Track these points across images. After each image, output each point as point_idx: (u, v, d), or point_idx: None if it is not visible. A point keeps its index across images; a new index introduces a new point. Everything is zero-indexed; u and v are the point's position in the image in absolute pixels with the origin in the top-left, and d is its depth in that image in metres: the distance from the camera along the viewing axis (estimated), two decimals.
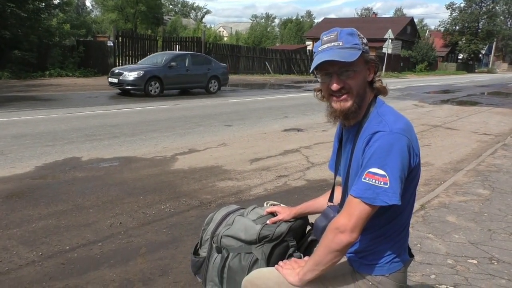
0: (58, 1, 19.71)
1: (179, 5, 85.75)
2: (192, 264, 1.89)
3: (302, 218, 1.78)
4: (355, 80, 1.37)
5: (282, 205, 1.92)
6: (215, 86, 14.96)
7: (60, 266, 2.82)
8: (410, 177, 1.34)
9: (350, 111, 1.38)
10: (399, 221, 1.41)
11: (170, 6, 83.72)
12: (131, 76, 12.51)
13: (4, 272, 2.73)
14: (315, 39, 52.53)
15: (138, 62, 15.66)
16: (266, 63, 27.98)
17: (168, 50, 21.28)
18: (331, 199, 1.66)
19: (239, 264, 1.67)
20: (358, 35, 1.39)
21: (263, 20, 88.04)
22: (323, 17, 60.14)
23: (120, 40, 19.83)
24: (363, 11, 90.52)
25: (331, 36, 1.38)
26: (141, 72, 12.61)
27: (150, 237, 3.34)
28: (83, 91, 13.16)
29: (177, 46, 23.49)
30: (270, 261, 1.64)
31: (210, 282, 1.78)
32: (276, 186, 4.81)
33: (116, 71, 13.03)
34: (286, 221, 1.70)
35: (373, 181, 1.24)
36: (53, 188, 4.39)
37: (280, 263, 1.53)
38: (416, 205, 4.08)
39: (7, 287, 2.56)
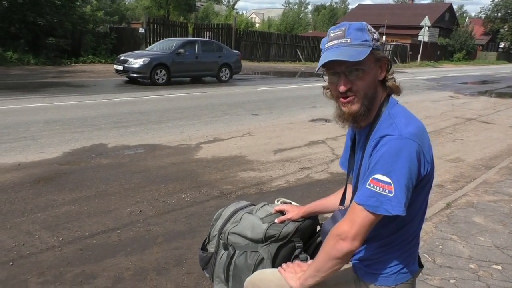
0: None
1: None
2: (200, 259, 1.87)
3: (311, 218, 1.72)
4: (364, 81, 1.27)
5: (293, 203, 1.86)
6: (227, 74, 14.51)
7: (78, 252, 2.89)
8: (420, 186, 1.24)
9: (358, 114, 1.28)
10: (408, 230, 1.32)
11: None
12: (136, 63, 12.14)
13: (26, 255, 2.82)
14: None
15: (148, 48, 15.29)
16: (297, 50, 27.64)
17: (199, 37, 21.34)
18: (342, 201, 1.58)
19: (245, 262, 1.63)
20: (369, 30, 1.28)
21: (296, 6, 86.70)
22: (358, 3, 58.61)
23: (152, 27, 20.04)
24: None
25: (339, 32, 1.28)
26: (147, 60, 12.18)
27: (168, 226, 3.37)
28: (114, 78, 13.39)
29: (208, 33, 23.52)
30: (276, 261, 1.59)
31: (217, 278, 1.76)
32: (298, 178, 4.74)
33: (122, 58, 12.66)
34: (294, 221, 1.65)
35: (378, 188, 1.16)
36: (79, 174, 4.50)
37: (283, 265, 1.48)
38: (442, 204, 3.93)
39: (26, 271, 2.64)
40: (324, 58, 1.26)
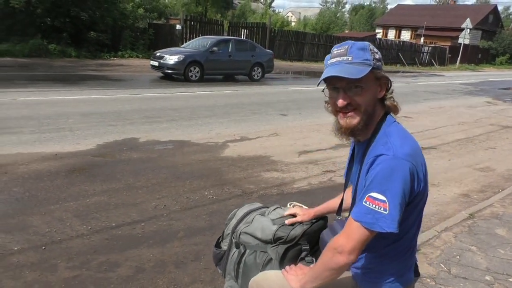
0: None
1: None
2: (213, 255, 1.99)
3: (322, 219, 1.80)
4: (363, 97, 1.33)
5: (304, 206, 1.94)
6: (259, 73, 14.59)
7: (105, 241, 3.07)
8: (414, 203, 1.31)
9: (356, 128, 1.36)
10: (403, 243, 1.38)
11: None
12: (171, 60, 12.46)
13: (57, 241, 3.03)
14: (386, 27, 50.08)
15: (183, 45, 15.61)
16: None
17: (234, 35, 21.55)
18: (339, 210, 1.66)
19: (254, 261, 1.73)
20: (371, 50, 1.34)
21: (333, 5, 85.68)
22: (397, 4, 57.27)
23: (189, 24, 20.42)
24: None
25: (341, 50, 1.35)
26: (182, 56, 12.51)
27: (189, 222, 3.51)
28: (149, 73, 13.77)
29: (243, 31, 23.69)
30: (283, 262, 1.68)
31: (228, 275, 1.86)
32: (320, 181, 4.78)
33: (158, 54, 13.04)
34: (302, 225, 1.73)
35: (373, 205, 1.23)
36: (110, 166, 4.73)
37: (287, 267, 1.56)
38: (464, 214, 3.88)
39: (56, 255, 2.84)
40: (325, 74, 1.34)
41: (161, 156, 5.26)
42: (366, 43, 1.37)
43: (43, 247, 2.94)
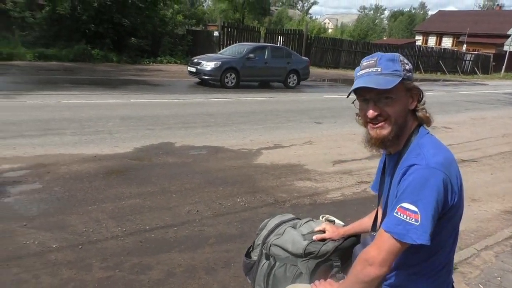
0: None
1: None
2: (243, 265, 1.98)
3: (354, 237, 1.77)
4: (393, 108, 1.32)
5: (337, 221, 1.91)
6: (294, 80, 14.54)
7: (138, 244, 3.14)
8: (448, 216, 1.26)
9: (386, 139, 1.34)
10: (436, 260, 1.33)
11: None
12: (208, 66, 12.64)
13: (93, 241, 3.12)
14: (426, 34, 48.64)
15: (219, 52, 15.85)
16: None
17: (270, 42, 21.65)
18: (374, 226, 1.61)
19: (284, 274, 1.71)
20: (401, 61, 1.34)
21: (371, 12, 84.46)
22: (438, 10, 55.71)
23: (226, 30, 20.71)
24: (486, 2, 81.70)
25: (371, 62, 1.35)
26: (218, 63, 12.67)
27: (221, 228, 3.53)
28: (187, 79, 14.04)
29: (280, 37, 23.76)
30: (314, 277, 1.65)
31: (257, 286, 1.85)
32: (354, 192, 4.70)
33: (195, 60, 13.29)
34: (333, 241, 1.70)
35: (404, 216, 1.20)
36: (146, 170, 4.84)
37: (316, 282, 1.54)
38: (507, 232, 3.69)
39: (92, 255, 2.93)
40: (355, 85, 1.34)
41: (195, 161, 5.33)
42: (396, 54, 1.37)
43: (80, 247, 3.04)
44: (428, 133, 1.37)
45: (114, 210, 3.70)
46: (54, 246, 3.02)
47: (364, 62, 1.38)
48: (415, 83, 1.37)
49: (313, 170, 5.34)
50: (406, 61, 1.35)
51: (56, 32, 17.47)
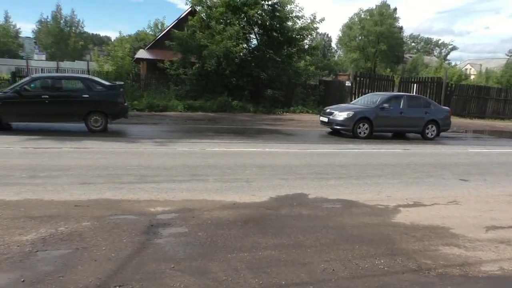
0: (307, 46, 22.14)
1: (422, 42, 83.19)
2: None
3: None
4: None
5: None
6: (433, 131, 13.57)
7: None
8: None
9: None
10: None
11: (412, 44, 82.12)
12: (341, 116, 12.62)
13: None
14: None
15: (352, 101, 15.70)
16: None
17: (405, 91, 20.85)
18: None
19: None
20: None
21: None
22: None
23: (358, 80, 20.67)
24: None
25: None
26: (351, 113, 12.57)
27: None
28: (319, 128, 14.22)
29: (415, 86, 22.73)
30: None
31: None
32: None
33: (328, 110, 13.37)
34: None
35: None
36: (281, 220, 4.90)
37: None
38: None
39: None
40: None
41: (329, 215, 5.23)
42: None
43: None
44: None
45: (251, 260, 3.79)
46: None
47: None
48: None
49: (461, 235, 4.76)
50: None
51: (203, 86, 19.64)
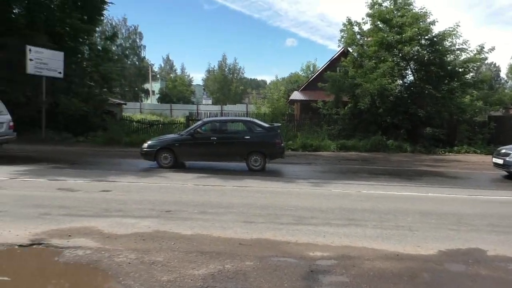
0: (474, 79, 20.00)
1: None
2: None
3: None
4: None
5: None
6: None
7: None
8: None
9: None
10: None
11: None
12: None
13: None
14: None
15: None
16: None
17: None
18: None
19: None
20: None
21: None
22: None
23: None
24: None
25: None
26: None
27: None
28: (490, 171, 12.49)
29: None
30: None
31: None
32: None
33: (503, 151, 11.55)
34: None
35: None
36: (455, 280, 4.32)
37: None
38: None
39: None
40: None
41: None
42: None
43: None
44: None
45: None
46: None
47: None
48: None
49: None
50: None
51: (355, 125, 19.37)
